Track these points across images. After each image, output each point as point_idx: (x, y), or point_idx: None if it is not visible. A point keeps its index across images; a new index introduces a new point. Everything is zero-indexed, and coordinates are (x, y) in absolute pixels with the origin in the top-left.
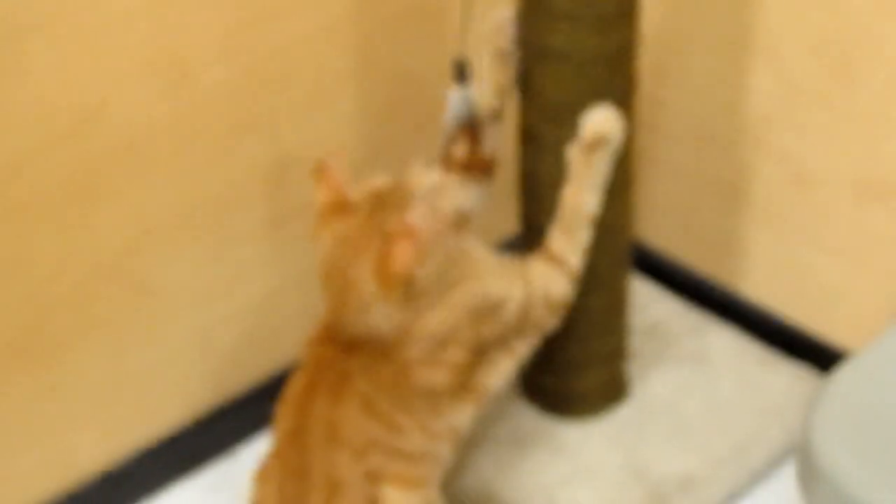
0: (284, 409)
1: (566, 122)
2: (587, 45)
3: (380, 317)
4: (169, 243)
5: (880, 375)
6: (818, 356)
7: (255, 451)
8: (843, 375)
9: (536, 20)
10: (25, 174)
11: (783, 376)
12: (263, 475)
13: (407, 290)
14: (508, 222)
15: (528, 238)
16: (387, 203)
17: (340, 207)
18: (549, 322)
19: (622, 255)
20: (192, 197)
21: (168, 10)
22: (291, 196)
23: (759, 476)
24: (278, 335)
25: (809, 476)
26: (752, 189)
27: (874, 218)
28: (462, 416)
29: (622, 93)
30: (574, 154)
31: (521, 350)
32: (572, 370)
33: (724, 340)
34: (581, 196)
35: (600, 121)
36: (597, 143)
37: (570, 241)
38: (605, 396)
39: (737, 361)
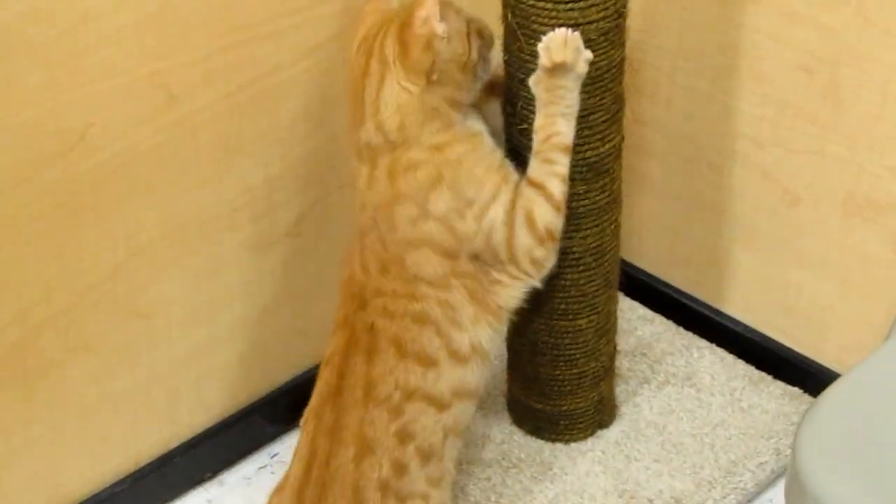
0: (327, 365)
1: None
2: None
3: (395, 98)
4: (157, 265)
5: (868, 396)
6: (806, 377)
7: (241, 476)
8: (830, 396)
9: (521, 43)
10: (12, 196)
11: (772, 397)
12: (303, 424)
13: (426, 63)
14: None
15: None
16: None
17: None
18: (542, 256)
19: (610, 276)
20: (181, 219)
21: (154, 33)
22: (280, 217)
23: (748, 497)
24: (266, 357)
25: (798, 497)
26: (738, 209)
27: (861, 237)
28: (481, 332)
29: (609, 113)
30: (537, 81)
31: (526, 279)
32: (560, 392)
33: (713, 361)
34: (551, 125)
35: (556, 48)
36: (556, 70)
37: (546, 169)
38: (594, 418)
39: (725, 382)
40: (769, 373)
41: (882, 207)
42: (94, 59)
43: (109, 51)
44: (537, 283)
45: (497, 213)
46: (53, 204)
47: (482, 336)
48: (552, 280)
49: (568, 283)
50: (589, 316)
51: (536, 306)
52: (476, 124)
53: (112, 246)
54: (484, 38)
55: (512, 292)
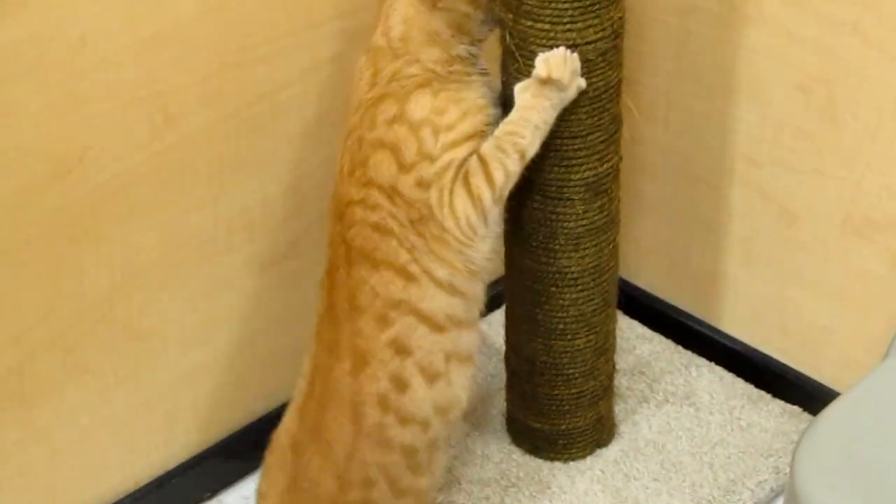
0: (320, 288)
1: (551, 164)
2: None
3: (404, 12)
4: (155, 287)
5: (866, 416)
6: (805, 395)
7: (240, 496)
8: (829, 416)
9: (519, 64)
10: (11, 219)
11: (771, 415)
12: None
13: None
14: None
15: (514, 277)
16: None
17: None
18: (476, 222)
19: (608, 296)
20: (178, 240)
21: (151, 56)
22: (277, 239)
23: None
24: (264, 378)
25: None
26: (737, 228)
27: (859, 256)
28: (440, 266)
29: (607, 134)
30: (525, 87)
31: (459, 248)
32: (559, 411)
33: (711, 380)
34: (520, 127)
35: (555, 64)
36: (548, 83)
37: (498, 155)
38: (592, 437)
39: (724, 401)
40: (768, 391)
41: (880, 226)
42: (91, 83)
43: (107, 74)
44: (470, 261)
45: (459, 154)
46: (52, 226)
47: (451, 276)
48: (550, 300)
49: (566, 302)
50: (587, 335)
51: (534, 326)
52: (485, 83)
53: (110, 267)
54: None
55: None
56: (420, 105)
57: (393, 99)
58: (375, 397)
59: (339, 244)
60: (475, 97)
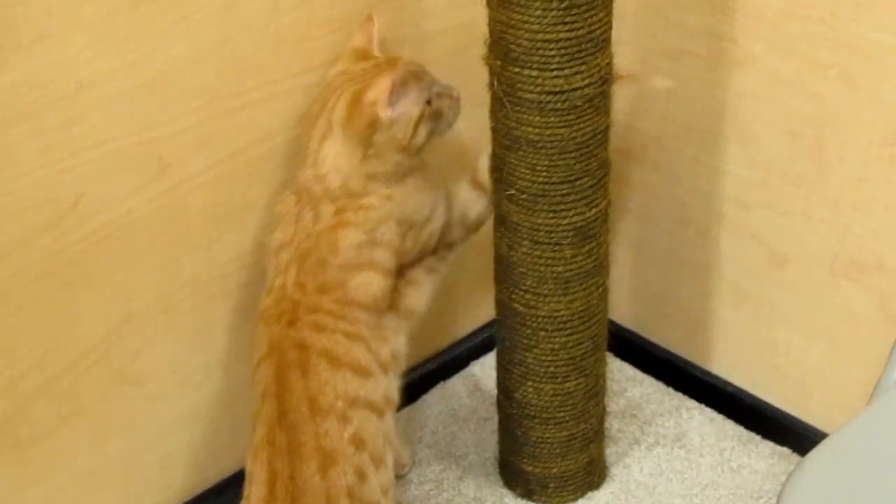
0: (265, 398)
1: (540, 210)
2: (558, 133)
3: (335, 152)
4: (149, 331)
5: (852, 458)
6: (795, 436)
7: None
8: (814, 458)
9: (507, 110)
10: (5, 264)
11: (761, 457)
12: (253, 457)
13: (364, 138)
14: (486, 306)
15: (505, 321)
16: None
17: (362, 55)
18: (463, 240)
19: (597, 339)
20: (173, 285)
21: (146, 101)
22: None
23: None
24: None
25: None
26: (726, 270)
27: (848, 298)
28: (399, 340)
29: (595, 178)
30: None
31: (441, 269)
32: (550, 454)
33: (702, 422)
34: None
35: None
36: None
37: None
38: (584, 480)
39: (715, 443)
40: (758, 433)
41: (867, 268)
42: (86, 128)
43: (102, 119)
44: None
45: (431, 229)
46: (46, 272)
47: (400, 343)
48: (540, 344)
49: (556, 346)
50: (577, 379)
51: (525, 369)
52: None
53: (104, 312)
54: (443, 116)
55: (427, 292)
56: (388, 232)
57: (356, 228)
58: (345, 489)
59: (291, 348)
60: (428, 182)
